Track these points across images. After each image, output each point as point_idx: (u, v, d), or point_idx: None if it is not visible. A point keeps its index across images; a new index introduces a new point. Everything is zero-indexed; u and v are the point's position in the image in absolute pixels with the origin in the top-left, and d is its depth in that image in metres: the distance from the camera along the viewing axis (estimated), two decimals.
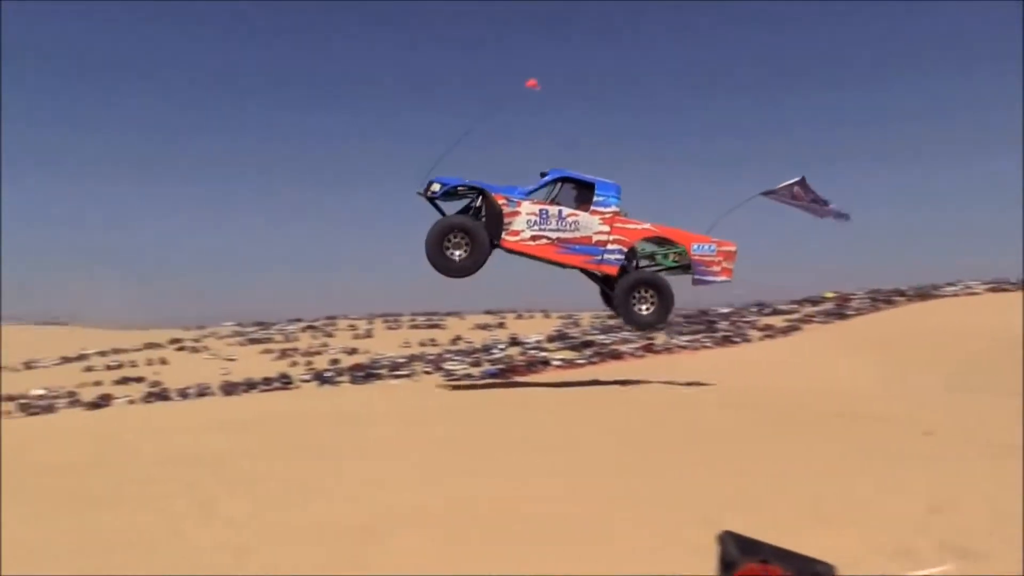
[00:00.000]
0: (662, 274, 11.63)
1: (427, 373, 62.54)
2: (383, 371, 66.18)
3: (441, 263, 10.87)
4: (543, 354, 69.89)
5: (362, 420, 10.98)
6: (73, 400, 66.37)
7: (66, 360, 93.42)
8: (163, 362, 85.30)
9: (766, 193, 12.05)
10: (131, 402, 57.97)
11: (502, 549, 5.14)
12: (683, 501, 6.28)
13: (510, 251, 11.37)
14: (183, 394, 59.95)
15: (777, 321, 73.89)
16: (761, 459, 8.06)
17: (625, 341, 70.91)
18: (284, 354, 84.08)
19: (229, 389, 59.99)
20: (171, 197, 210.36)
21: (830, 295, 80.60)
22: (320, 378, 65.93)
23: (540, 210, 10.98)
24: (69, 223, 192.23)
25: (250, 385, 62.43)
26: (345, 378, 63.14)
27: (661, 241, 11.67)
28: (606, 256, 11.15)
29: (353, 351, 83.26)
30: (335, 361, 77.18)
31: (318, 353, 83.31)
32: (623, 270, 11.67)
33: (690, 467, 7.67)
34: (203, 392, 59.53)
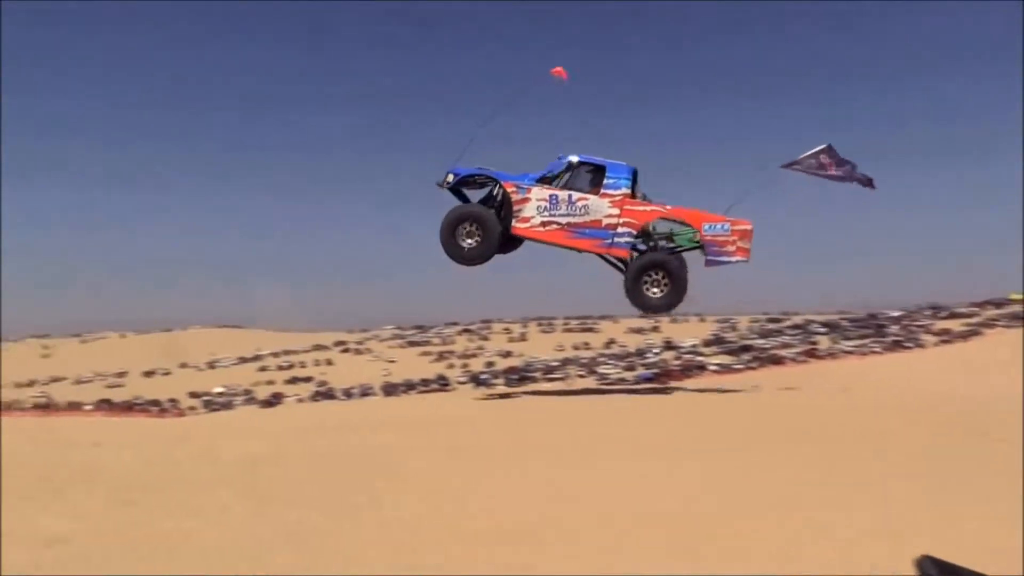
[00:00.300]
0: (676, 255, 11.25)
1: (580, 377, 62.49)
2: (537, 374, 66.70)
3: (454, 251, 11.15)
4: (699, 359, 68.32)
5: (518, 422, 11.07)
6: (249, 398, 70.88)
7: (243, 360, 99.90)
8: (329, 363, 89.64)
9: (788, 165, 11.61)
10: (300, 400, 61.21)
11: (667, 558, 5.01)
12: (863, 514, 5.93)
13: (527, 238, 11.42)
14: (347, 393, 62.77)
15: (955, 325, 68.97)
16: (942, 475, 7.50)
17: (786, 346, 68.22)
18: (441, 356, 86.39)
19: (390, 389, 62.26)
20: (337, 208, 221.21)
21: (1017, 297, 74.46)
22: (476, 380, 67.23)
23: (550, 196, 11.03)
24: (246, 235, 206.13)
25: (409, 386, 64.56)
26: (500, 380, 64.07)
27: (679, 221, 11.46)
28: (616, 239, 11.01)
29: (507, 354, 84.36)
30: (490, 364, 78.50)
31: (474, 356, 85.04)
32: (638, 253, 11.40)
33: (867, 478, 7.25)
34: (366, 392, 62.10)
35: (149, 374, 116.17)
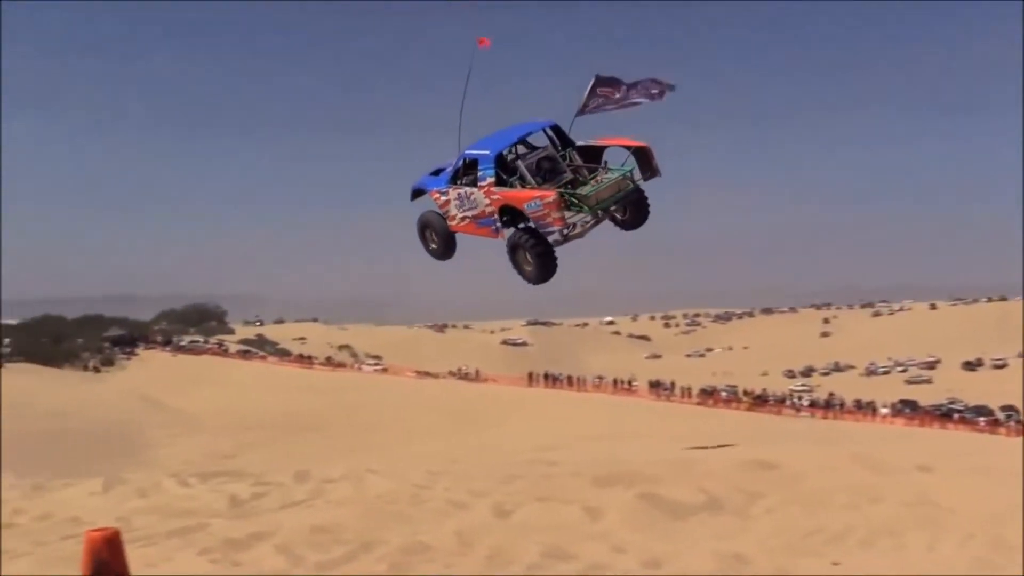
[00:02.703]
0: (532, 233, 14.52)
1: None
2: None
3: (429, 251, 15.82)
4: None
5: None
6: None
7: None
8: None
9: (580, 114, 14.02)
10: None
11: None
12: None
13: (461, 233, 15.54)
14: None
15: None
16: None
17: None
18: None
19: None
20: None
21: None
22: None
23: (457, 194, 15.29)
24: None
25: None
26: None
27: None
28: (497, 225, 14.77)
29: None
30: None
31: None
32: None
33: None
34: None
35: (973, 365, 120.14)
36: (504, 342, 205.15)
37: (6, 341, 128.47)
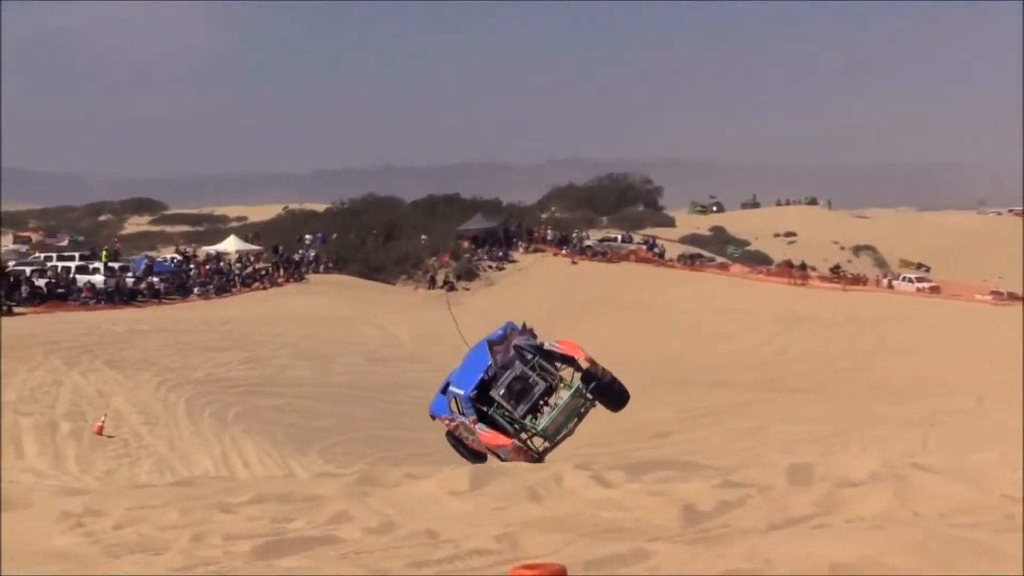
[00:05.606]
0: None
1: None
2: None
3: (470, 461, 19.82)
4: None
5: None
6: None
7: None
8: None
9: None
10: None
11: None
12: None
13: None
14: None
15: None
16: None
17: None
18: None
19: None
20: None
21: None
22: None
23: (460, 422, 19.91)
24: None
25: None
26: None
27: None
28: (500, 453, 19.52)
29: None
30: None
31: None
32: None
33: None
34: None
35: None
36: None
37: (308, 238, 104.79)
